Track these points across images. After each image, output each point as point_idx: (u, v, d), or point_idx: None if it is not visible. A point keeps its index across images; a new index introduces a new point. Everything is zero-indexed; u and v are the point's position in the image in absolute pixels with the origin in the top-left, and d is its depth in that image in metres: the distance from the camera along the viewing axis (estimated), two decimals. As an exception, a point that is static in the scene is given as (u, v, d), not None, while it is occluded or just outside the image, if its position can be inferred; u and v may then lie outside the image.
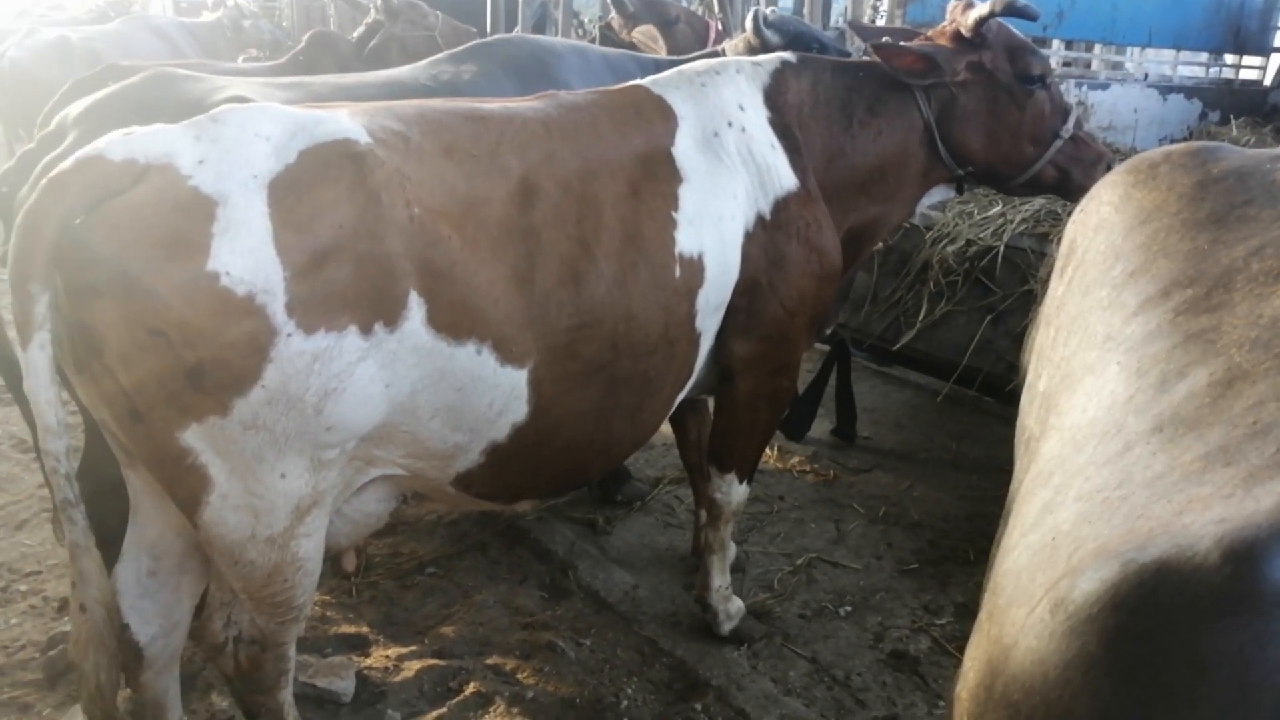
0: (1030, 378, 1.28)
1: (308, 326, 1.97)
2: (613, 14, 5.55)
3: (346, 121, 2.16)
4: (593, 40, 5.66)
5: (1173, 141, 6.12)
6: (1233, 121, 6.08)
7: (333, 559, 3.64)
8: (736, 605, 3.40)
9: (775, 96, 2.90)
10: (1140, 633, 0.73)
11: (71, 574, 2.18)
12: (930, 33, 3.21)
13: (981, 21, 3.00)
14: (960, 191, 3.40)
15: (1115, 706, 0.74)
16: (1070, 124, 3.13)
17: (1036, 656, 0.80)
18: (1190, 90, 6.39)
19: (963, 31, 3.05)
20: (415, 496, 2.59)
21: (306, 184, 2.00)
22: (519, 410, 2.34)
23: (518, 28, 7.04)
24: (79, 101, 2.99)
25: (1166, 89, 6.21)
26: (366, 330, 2.05)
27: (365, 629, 3.52)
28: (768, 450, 4.85)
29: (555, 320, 2.34)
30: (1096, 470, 0.90)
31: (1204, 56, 6.93)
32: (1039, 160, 3.11)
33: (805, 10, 5.48)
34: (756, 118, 2.84)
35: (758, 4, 5.80)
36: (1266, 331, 0.90)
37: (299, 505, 2.15)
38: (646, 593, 3.69)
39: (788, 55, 3.03)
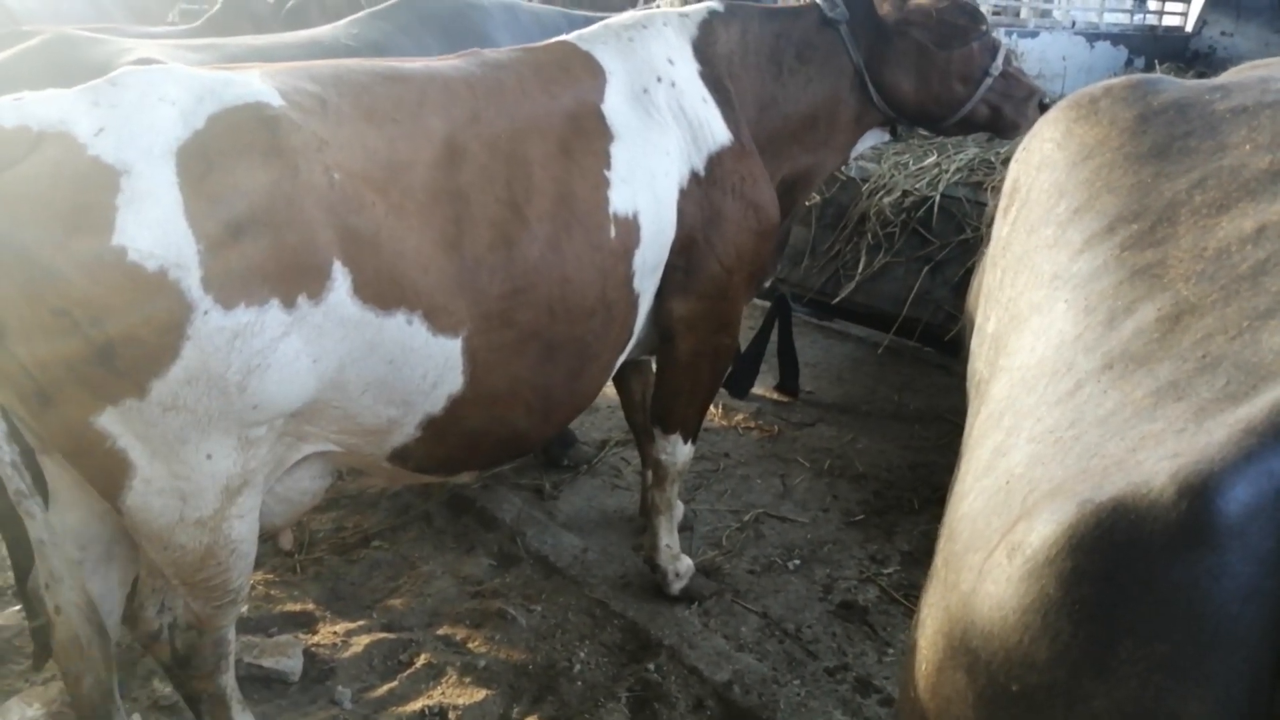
0: (979, 320, 1.26)
1: (226, 301, 1.88)
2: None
3: (258, 84, 2.05)
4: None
5: (1100, 88, 6.19)
6: (1157, 67, 6.17)
7: (270, 538, 3.55)
8: (685, 564, 3.40)
9: (705, 48, 2.84)
10: (1098, 573, 0.72)
11: (40, 574, 2.08)
12: None
13: None
14: (894, 134, 3.38)
15: (1076, 648, 0.72)
16: (1000, 61, 3.13)
17: (995, 602, 0.78)
18: (1116, 37, 6.46)
19: None
20: (351, 472, 2.52)
21: (217, 151, 1.91)
22: (454, 381, 2.28)
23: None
24: (-30, 70, 2.82)
25: (1093, 36, 6.26)
26: (289, 303, 1.97)
27: (311, 606, 3.46)
28: (712, 408, 4.84)
29: (488, 286, 2.27)
30: (1048, 410, 0.88)
31: (1129, 3, 7.00)
32: (971, 99, 3.11)
33: None
34: (687, 71, 2.77)
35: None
36: (1211, 264, 0.88)
37: (228, 486, 2.07)
38: (596, 556, 3.67)
39: (715, 4, 2.97)
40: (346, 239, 2.03)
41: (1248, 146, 0.98)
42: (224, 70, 2.12)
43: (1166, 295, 0.88)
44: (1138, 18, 7.03)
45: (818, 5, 3.07)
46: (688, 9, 2.94)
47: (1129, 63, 6.42)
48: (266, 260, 1.93)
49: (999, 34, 5.43)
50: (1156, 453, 0.72)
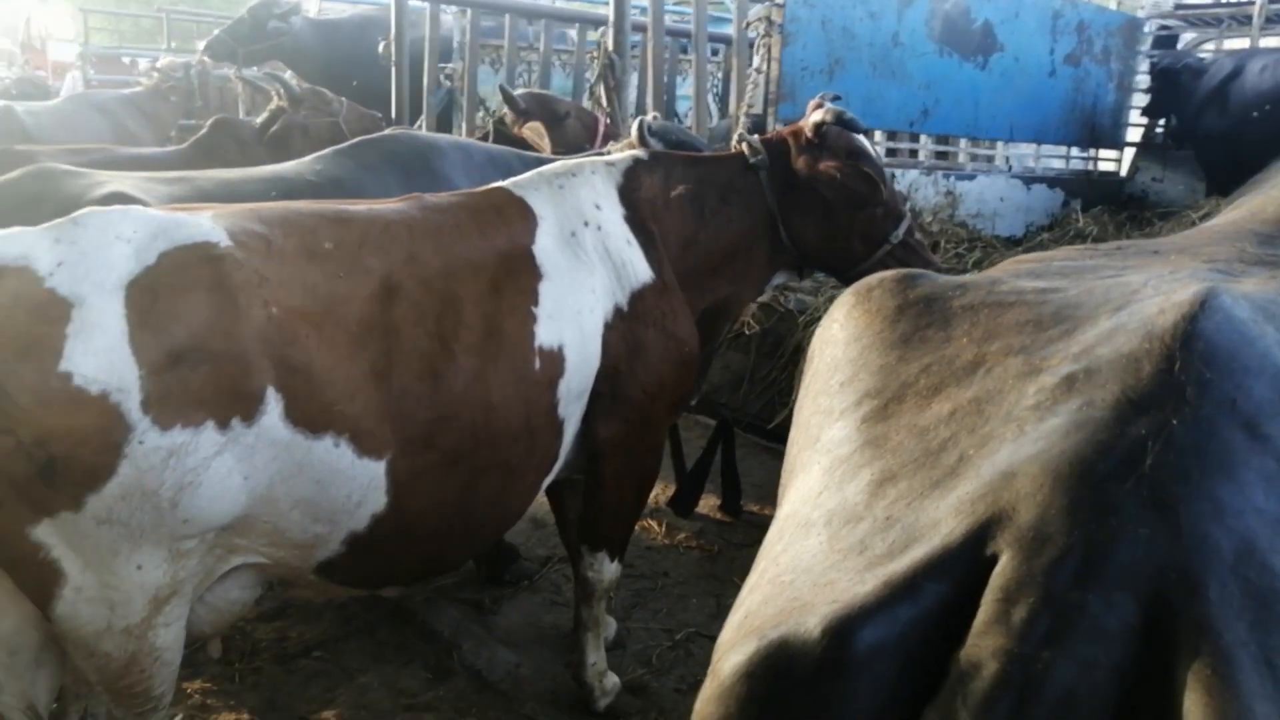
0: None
1: (163, 423, 2.05)
2: (505, 109, 5.78)
3: (208, 224, 2.27)
4: (485, 135, 5.86)
5: (1038, 228, 6.57)
6: (1080, 211, 6.55)
7: (200, 645, 3.62)
8: (612, 681, 3.48)
9: (629, 194, 3.10)
10: (762, 696, 0.88)
11: None
12: (783, 130, 3.48)
13: (818, 127, 3.28)
14: (801, 277, 3.64)
15: None
16: (901, 230, 3.39)
17: (700, 717, 0.94)
18: (1052, 180, 6.89)
19: (806, 133, 3.32)
20: (281, 583, 2.64)
21: (164, 285, 2.10)
22: (378, 501, 2.43)
23: (422, 116, 7.24)
24: (-43, 198, 3.06)
25: (1030, 179, 6.68)
26: (223, 425, 2.14)
27: (246, 715, 3.50)
28: (655, 526, 4.97)
29: (413, 413, 2.44)
30: (785, 556, 1.05)
31: (1064, 150, 7.48)
32: (868, 259, 3.35)
33: (649, 101, 5.77)
34: (612, 215, 3.03)
35: (647, 105, 6.09)
36: (916, 439, 1.07)
37: (156, 596, 2.19)
38: (529, 671, 3.74)
39: (640, 153, 3.25)
40: (280, 367, 2.22)
41: (965, 340, 1.18)
42: (180, 211, 2.35)
43: (880, 464, 1.06)
44: (1075, 163, 7.50)
45: (741, 153, 3.36)
46: (614, 157, 3.22)
47: (1065, 203, 6.83)
48: (204, 385, 2.10)
49: (937, 178, 5.82)
50: (826, 598, 0.90)
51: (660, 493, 5.15)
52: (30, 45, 21.55)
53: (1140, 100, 7.43)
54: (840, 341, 1.35)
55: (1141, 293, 1.12)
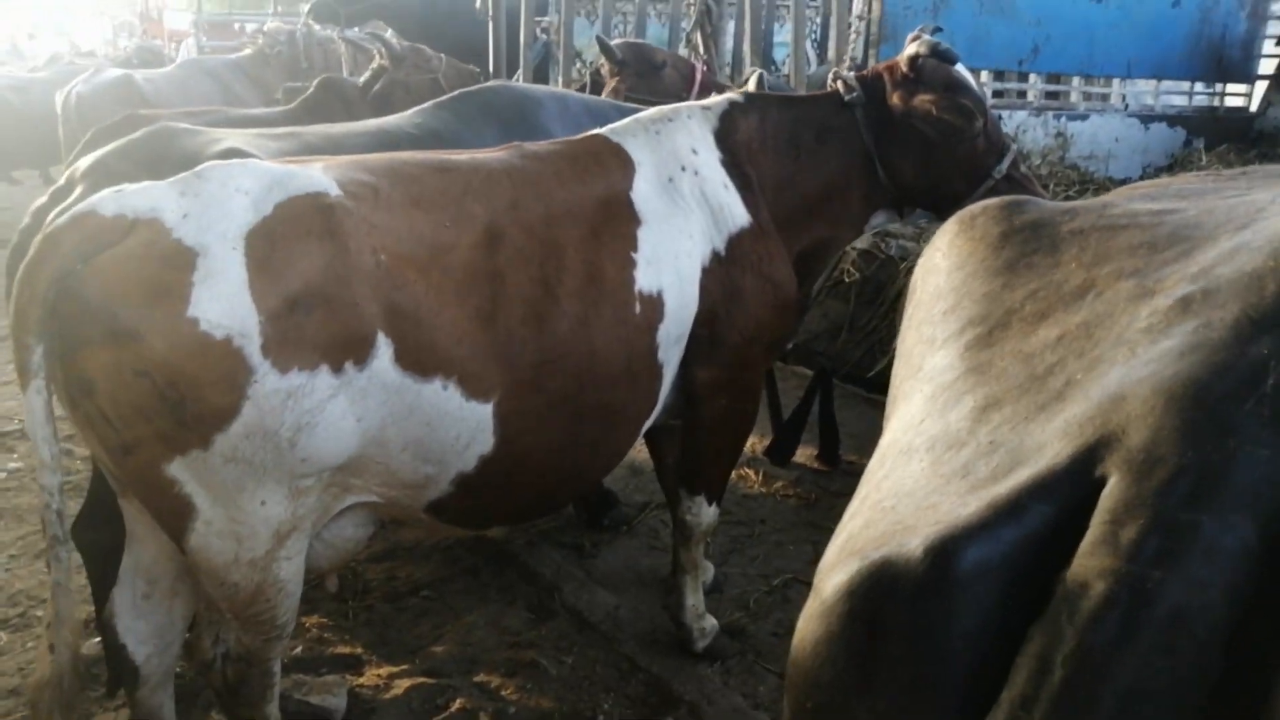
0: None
1: (282, 366, 2.15)
2: (602, 60, 5.77)
3: (319, 175, 2.35)
4: (583, 86, 5.87)
5: (1156, 170, 6.26)
6: (1203, 150, 6.18)
7: (318, 581, 3.81)
8: (710, 623, 3.54)
9: (726, 137, 3.09)
10: (865, 614, 0.89)
11: (47, 613, 2.29)
12: (879, 66, 3.40)
13: (913, 60, 3.19)
14: (902, 217, 3.55)
15: (847, 672, 0.90)
16: (1005, 164, 3.27)
17: (801, 635, 0.96)
18: (1173, 118, 6.53)
19: (902, 67, 3.24)
20: (393, 522, 2.76)
21: (280, 235, 2.19)
22: (485, 443, 2.50)
23: (519, 69, 7.28)
24: (86, 157, 3.23)
25: (1148, 117, 6.35)
26: (337, 369, 2.22)
27: (359, 649, 3.69)
28: (752, 474, 4.99)
29: (519, 357, 2.50)
30: (887, 483, 1.06)
31: (1186, 85, 7.06)
32: (970, 195, 3.23)
33: (746, 49, 5.67)
34: (709, 159, 3.02)
35: (744, 53, 5.99)
36: (1021, 364, 1.05)
37: (279, 530, 2.31)
38: (628, 613, 3.83)
39: (735, 96, 3.22)
40: (389, 313, 2.30)
41: (1073, 264, 1.15)
42: (293, 163, 2.44)
43: (983, 390, 1.05)
44: (1198, 99, 7.07)
45: (837, 91, 3.30)
46: (710, 102, 3.20)
47: (1188, 143, 6.47)
48: (318, 330, 2.19)
49: (1046, 118, 5.59)
50: (930, 519, 0.90)
51: (757, 442, 5.16)
52: (148, 15, 22.44)
53: (1276, 29, 6.94)
54: (943, 270, 1.33)
55: (1268, 210, 1.07)
